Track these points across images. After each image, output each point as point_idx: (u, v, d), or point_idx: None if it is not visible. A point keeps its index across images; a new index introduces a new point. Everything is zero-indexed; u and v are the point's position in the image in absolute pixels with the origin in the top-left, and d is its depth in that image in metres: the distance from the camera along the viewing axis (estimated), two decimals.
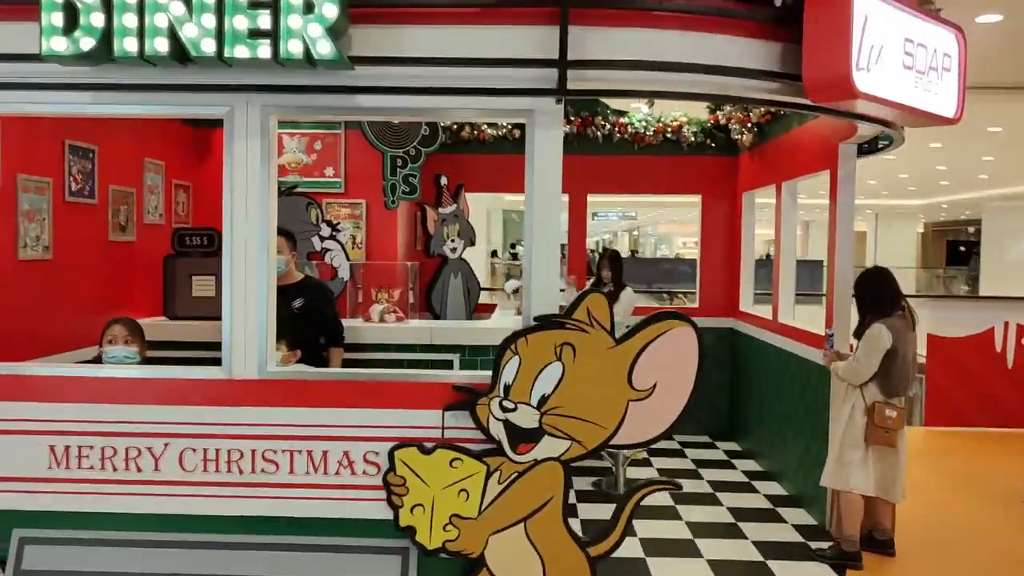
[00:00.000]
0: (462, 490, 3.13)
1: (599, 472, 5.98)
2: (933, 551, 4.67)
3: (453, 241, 6.57)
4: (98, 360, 3.70)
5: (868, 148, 4.89)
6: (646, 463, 6.41)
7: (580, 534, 3.23)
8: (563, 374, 3.10)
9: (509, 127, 7.23)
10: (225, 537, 3.23)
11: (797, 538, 4.83)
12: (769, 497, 5.63)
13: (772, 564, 4.40)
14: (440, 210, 6.54)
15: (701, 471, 6.28)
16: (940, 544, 4.79)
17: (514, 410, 3.11)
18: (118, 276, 5.00)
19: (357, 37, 3.15)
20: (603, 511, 5.09)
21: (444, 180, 6.56)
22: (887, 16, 3.31)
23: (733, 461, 6.59)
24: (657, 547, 4.63)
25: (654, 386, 3.12)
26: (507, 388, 3.11)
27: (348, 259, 5.81)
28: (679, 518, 5.14)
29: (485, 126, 7.23)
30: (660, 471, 6.24)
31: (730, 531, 4.94)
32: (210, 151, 6.08)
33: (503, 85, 3.17)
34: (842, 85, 3.12)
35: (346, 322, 4.88)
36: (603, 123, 7.32)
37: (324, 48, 2.97)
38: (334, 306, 4.83)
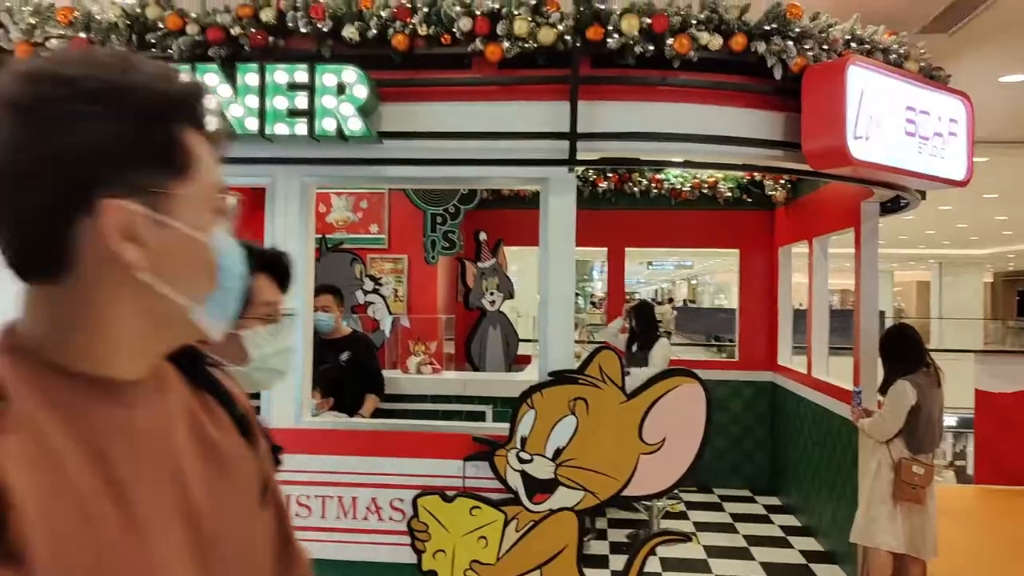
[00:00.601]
0: (481, 537, 3.31)
1: (635, 524, 6.05)
2: None
3: (492, 294, 6.80)
4: None
5: (891, 207, 4.99)
6: (683, 516, 6.45)
7: None
8: (577, 427, 3.27)
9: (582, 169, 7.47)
10: None
11: None
12: (804, 552, 5.62)
13: None
14: (479, 264, 6.79)
15: (738, 524, 6.29)
16: None
17: (530, 461, 3.29)
18: None
19: (386, 113, 3.44)
20: (652, 565, 5.20)
21: (483, 236, 6.82)
22: (886, 87, 3.47)
23: (771, 516, 6.58)
24: None
25: (664, 440, 3.26)
26: (524, 440, 3.30)
27: (390, 312, 6.09)
28: (709, 571, 5.19)
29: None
30: (696, 524, 6.27)
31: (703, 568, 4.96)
32: (259, 208, 6.46)
33: (519, 156, 3.42)
34: (838, 154, 3.28)
35: (385, 373, 5.12)
36: (640, 179, 7.51)
37: (355, 125, 3.27)
38: (377, 358, 5.09)
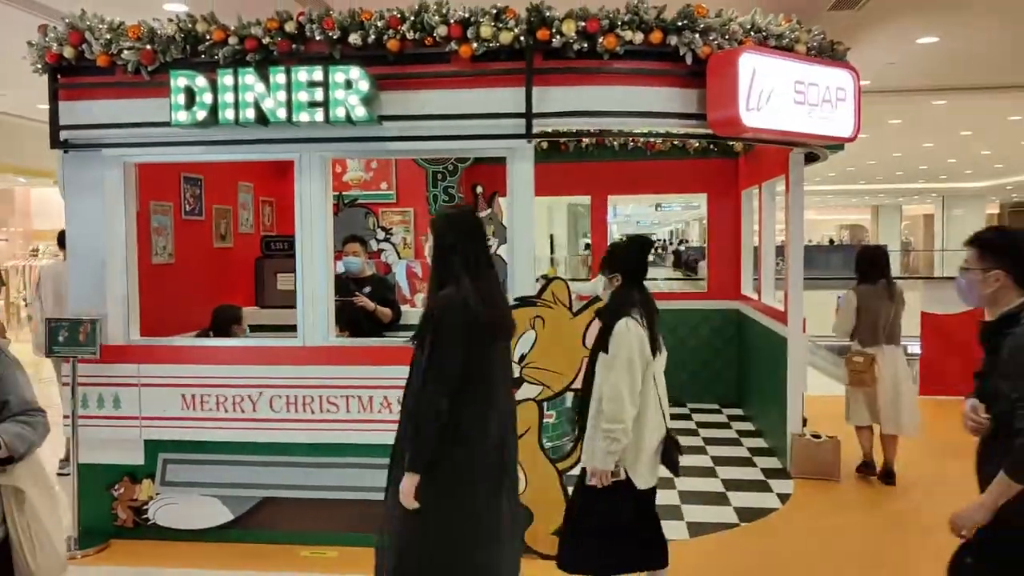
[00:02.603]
0: None
1: None
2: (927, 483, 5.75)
3: (488, 240, 7.80)
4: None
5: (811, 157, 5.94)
6: None
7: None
8: (536, 339, 4.33)
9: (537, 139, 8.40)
10: (302, 458, 4.57)
11: (760, 477, 5.90)
12: (751, 449, 6.69)
13: (731, 495, 5.50)
14: (479, 215, 7.79)
15: (700, 430, 7.37)
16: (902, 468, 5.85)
17: None
18: (221, 275, 6.42)
19: (385, 101, 4.43)
20: None
21: (480, 189, 7.80)
22: (776, 66, 4.40)
23: (732, 423, 7.64)
24: None
25: None
26: None
27: (400, 258, 7.13)
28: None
29: None
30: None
31: (706, 472, 6.05)
32: (288, 173, 7.47)
33: (489, 132, 4.41)
34: (734, 123, 4.24)
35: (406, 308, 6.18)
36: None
37: (360, 112, 4.27)
38: (394, 291, 6.14)
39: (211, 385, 4.62)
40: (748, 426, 7.50)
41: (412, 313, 6.42)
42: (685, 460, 6.46)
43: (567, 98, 4.37)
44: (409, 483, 2.87)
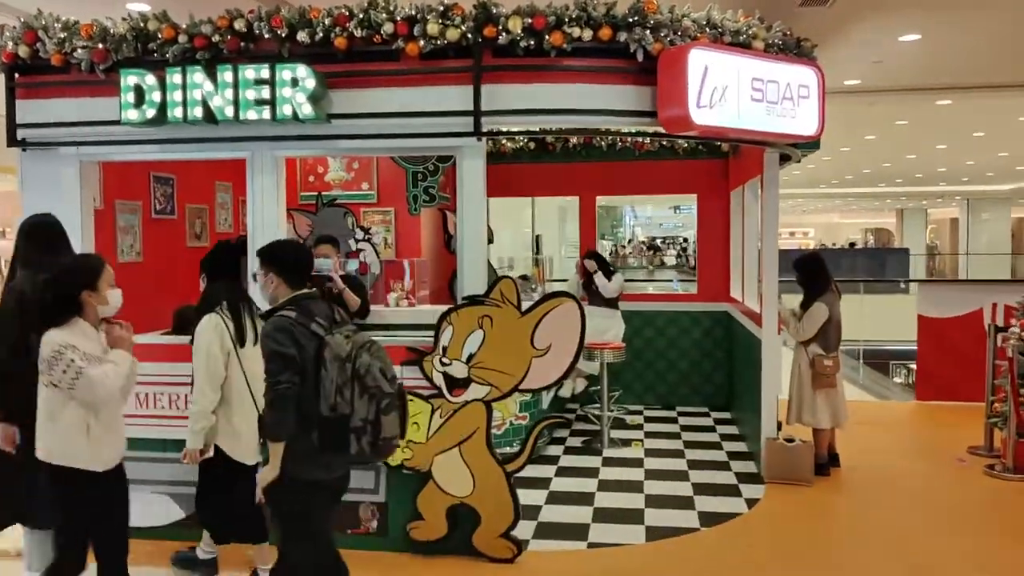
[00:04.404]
0: (415, 423, 4.35)
1: (588, 433, 7.08)
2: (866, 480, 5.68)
3: None
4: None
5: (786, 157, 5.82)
6: (639, 427, 7.45)
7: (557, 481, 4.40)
8: (484, 338, 4.28)
9: (525, 140, 8.35)
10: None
11: (733, 481, 5.79)
12: (730, 453, 6.58)
13: (699, 499, 5.40)
14: None
15: (684, 433, 7.26)
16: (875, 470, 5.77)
17: (450, 365, 4.31)
18: (195, 274, 6.43)
19: (335, 99, 4.41)
20: (591, 462, 6.25)
21: None
22: (730, 63, 4.31)
23: (717, 427, 7.52)
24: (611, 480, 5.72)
25: (549, 346, 4.24)
26: (445, 349, 4.31)
27: (379, 257, 7.11)
28: (641, 465, 6.20)
29: (504, 140, 8.39)
30: (648, 433, 7.26)
31: (679, 475, 5.95)
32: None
33: (439, 130, 4.37)
34: (683, 120, 4.16)
35: (372, 307, 6.15)
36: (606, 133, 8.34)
37: (307, 110, 4.25)
38: (363, 289, 6.07)
39: (164, 383, 4.61)
40: (733, 430, 7.38)
41: (386, 312, 6.42)
42: (659, 463, 6.49)
43: (517, 96, 4.32)
44: None
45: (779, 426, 5.95)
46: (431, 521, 4.36)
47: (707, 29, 4.39)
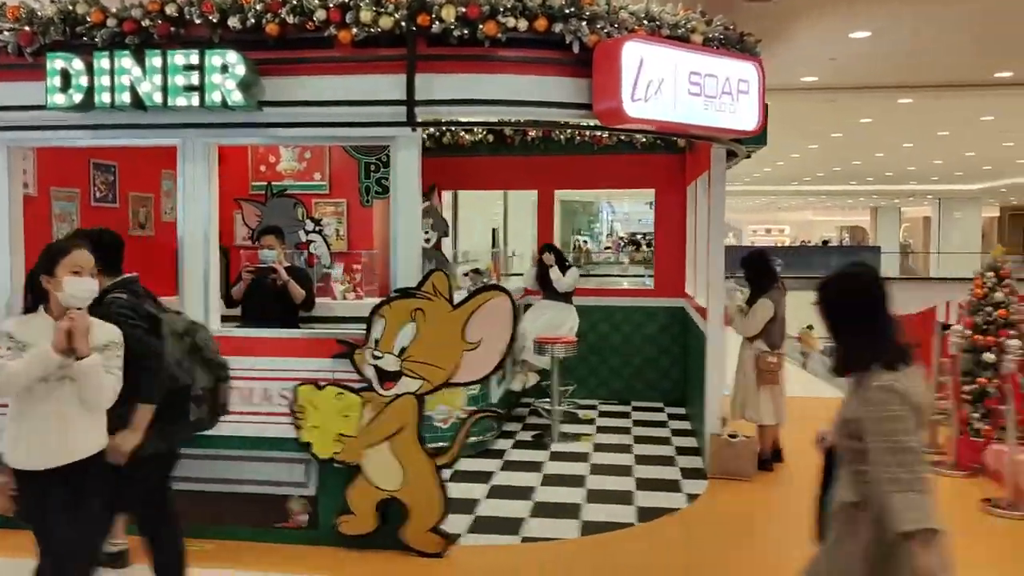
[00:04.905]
0: (345, 416, 4.29)
1: (540, 427, 7.06)
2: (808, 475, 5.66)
3: (427, 233, 7.71)
4: None
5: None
6: (590, 422, 7.43)
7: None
8: (416, 331, 4.23)
9: (484, 133, 8.28)
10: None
11: (676, 477, 5.78)
12: (679, 448, 6.58)
13: (640, 494, 5.40)
14: None
15: (635, 428, 7.25)
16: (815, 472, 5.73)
17: (381, 358, 4.25)
18: (137, 264, 6.32)
19: (268, 86, 4.33)
20: (539, 456, 6.23)
21: None
22: (667, 56, 4.28)
23: (670, 422, 7.51)
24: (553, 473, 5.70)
25: (481, 339, 4.20)
26: (377, 342, 4.26)
27: (330, 249, 7.04)
28: (587, 460, 6.19)
29: (463, 132, 8.33)
30: (599, 428, 7.24)
31: (623, 470, 5.94)
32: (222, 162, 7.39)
33: (373, 120, 4.31)
34: (617, 113, 4.13)
35: (318, 299, 6.08)
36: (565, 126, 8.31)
37: (236, 97, 4.17)
38: (307, 280, 5.99)
39: None
40: (686, 425, 7.39)
41: (333, 305, 6.36)
42: (606, 458, 6.47)
43: (452, 86, 4.26)
44: None
45: (723, 421, 5.96)
46: (361, 515, 4.31)
47: (645, 22, 4.36)
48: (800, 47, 6.91)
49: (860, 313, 2.38)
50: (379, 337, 4.26)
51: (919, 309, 8.69)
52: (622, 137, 8.28)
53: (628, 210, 42.28)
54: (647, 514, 5.00)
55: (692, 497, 5.33)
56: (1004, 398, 5.33)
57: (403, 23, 4.12)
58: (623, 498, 5.30)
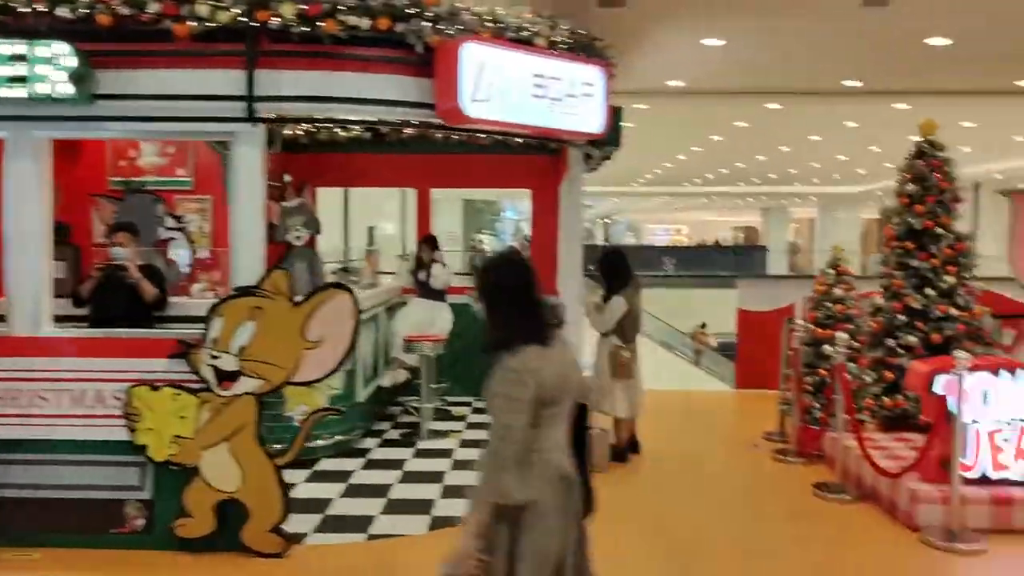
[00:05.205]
0: (182, 417, 4.21)
1: (409, 425, 7.08)
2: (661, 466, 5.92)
3: (298, 230, 7.60)
4: None
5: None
6: (462, 419, 7.49)
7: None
8: (255, 330, 4.18)
9: (361, 129, 8.22)
10: (6, 455, 4.29)
11: None
12: None
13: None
14: (285, 203, 7.57)
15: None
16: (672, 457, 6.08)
17: (219, 358, 4.19)
18: None
19: (104, 79, 4.20)
20: (403, 454, 6.24)
21: (288, 177, 7.59)
22: (510, 59, 4.37)
23: None
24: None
25: (322, 339, 4.18)
26: (215, 341, 4.19)
27: (192, 247, 6.87)
28: (451, 456, 6.24)
29: (338, 129, 8.24)
30: (471, 424, 7.31)
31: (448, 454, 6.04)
32: (76, 155, 7.12)
33: (211, 115, 4.23)
34: (457, 113, 4.19)
35: (173, 298, 5.91)
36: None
37: (65, 89, 4.03)
38: (160, 277, 5.80)
39: None
40: None
41: (188, 304, 6.19)
42: (471, 453, 6.52)
43: (294, 82, 4.24)
44: None
45: None
46: (199, 517, 4.24)
47: (488, 24, 4.43)
48: (659, 53, 7.15)
49: (510, 296, 2.60)
50: (217, 336, 4.19)
51: (775, 306, 9.07)
52: (497, 137, 8.37)
53: (528, 210, 42.82)
54: None
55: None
56: (835, 388, 5.65)
57: (242, 18, 4.07)
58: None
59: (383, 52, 4.29)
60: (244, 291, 4.22)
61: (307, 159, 8.01)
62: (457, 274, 8.08)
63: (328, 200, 10.49)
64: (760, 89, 8.90)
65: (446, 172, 8.45)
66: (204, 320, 4.21)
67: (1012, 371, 4.76)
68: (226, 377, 4.20)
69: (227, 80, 4.19)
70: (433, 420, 7.20)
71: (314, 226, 7.76)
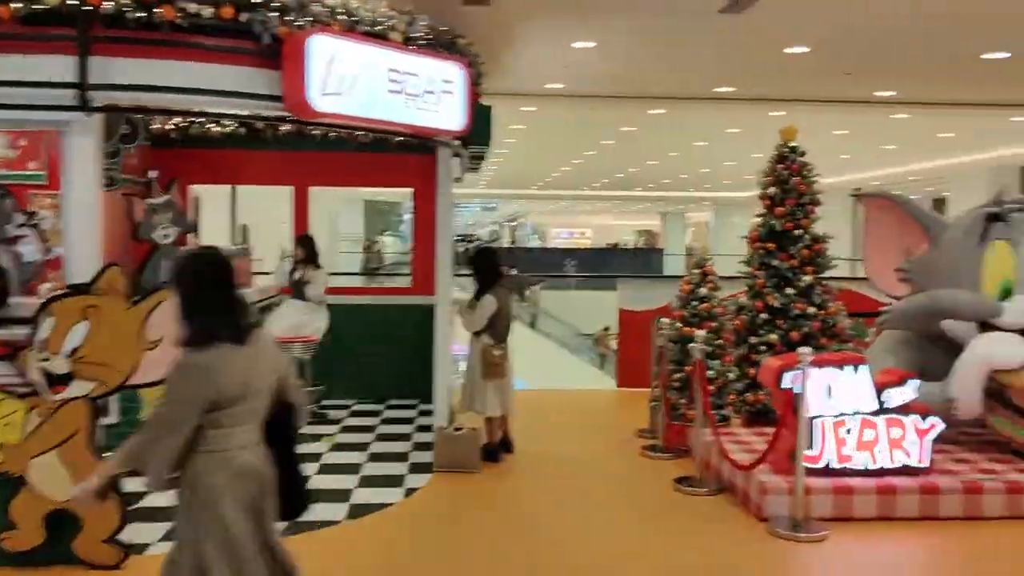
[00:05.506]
0: (7, 424, 3.96)
1: None
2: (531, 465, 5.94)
3: (166, 228, 7.30)
4: None
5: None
6: (327, 421, 7.34)
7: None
8: (89, 330, 3.96)
9: (236, 125, 7.97)
10: None
11: (403, 472, 5.81)
12: (418, 444, 6.60)
13: (358, 491, 5.38)
14: (151, 200, 7.25)
15: (382, 426, 7.23)
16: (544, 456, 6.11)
17: (49, 360, 3.95)
18: None
19: None
20: None
21: (154, 174, 7.28)
22: (362, 53, 4.29)
23: (419, 418, 7.52)
24: None
25: (162, 338, 4.00)
26: (45, 342, 3.95)
27: (45, 245, 6.49)
28: (318, 460, 6.10)
29: (212, 125, 7.97)
30: (346, 428, 7.16)
31: (350, 468, 5.89)
32: None
33: (39, 102, 4.00)
34: (305, 107, 4.09)
35: (21, 299, 5.56)
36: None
37: None
38: (3, 280, 5.47)
39: None
40: (432, 421, 7.45)
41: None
42: (339, 457, 6.40)
43: (133, 71, 4.06)
44: None
45: (452, 415, 6.09)
46: (26, 529, 3.99)
47: (341, 17, 4.34)
48: (532, 54, 7.18)
49: (200, 294, 2.68)
50: (47, 337, 3.96)
51: (655, 305, 9.25)
52: (378, 135, 8.26)
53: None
54: (358, 510, 4.99)
55: (411, 491, 5.38)
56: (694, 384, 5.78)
57: (72, 2, 3.86)
58: (339, 496, 5.25)
59: (230, 42, 4.15)
60: (77, 289, 4.00)
61: (177, 155, 7.72)
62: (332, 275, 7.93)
63: (217, 199, 10.22)
64: (638, 94, 9.07)
65: (325, 170, 8.30)
66: (31, 321, 3.97)
67: (855, 366, 4.97)
68: (58, 380, 3.96)
69: (59, 66, 3.98)
70: (308, 423, 7.02)
71: (184, 224, 7.48)
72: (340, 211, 26.99)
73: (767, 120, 10.19)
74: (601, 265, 33.94)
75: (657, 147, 15.81)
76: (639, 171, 21.22)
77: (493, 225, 53.45)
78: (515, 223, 54.27)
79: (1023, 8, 6.08)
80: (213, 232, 9.58)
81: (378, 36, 4.44)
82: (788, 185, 6.54)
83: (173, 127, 7.55)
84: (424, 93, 4.60)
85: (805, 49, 7.14)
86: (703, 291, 6.45)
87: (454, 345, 7.23)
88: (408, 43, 4.57)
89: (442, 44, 4.85)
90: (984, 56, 7.56)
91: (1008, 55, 7.43)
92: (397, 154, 8.28)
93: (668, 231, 43.86)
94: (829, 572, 4.38)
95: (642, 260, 35.95)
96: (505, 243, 50.82)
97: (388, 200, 33.98)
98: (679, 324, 6.45)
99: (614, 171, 21.46)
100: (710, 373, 6.38)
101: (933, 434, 4.99)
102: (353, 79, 4.22)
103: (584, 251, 42.34)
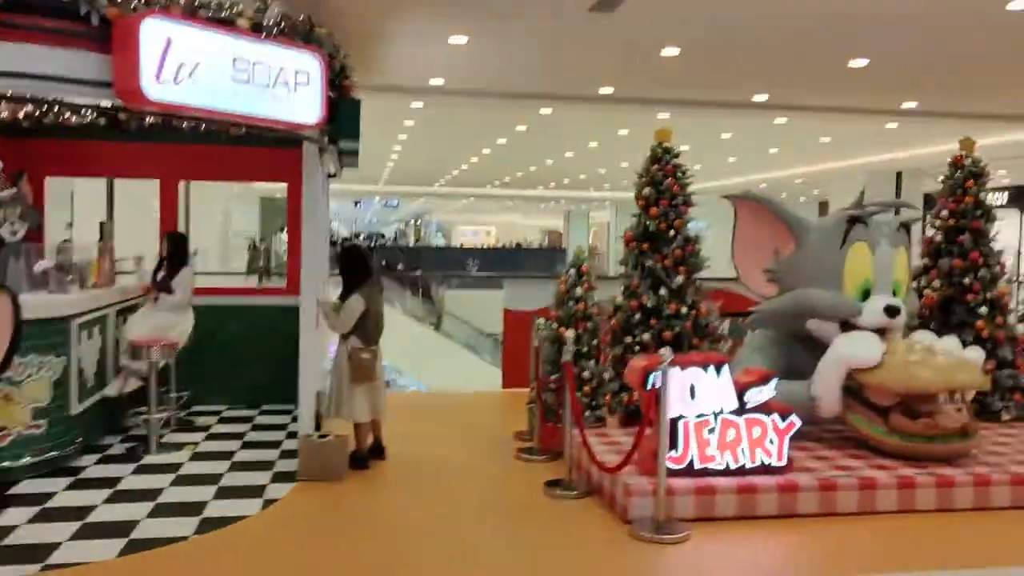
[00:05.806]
0: None
1: (136, 438, 6.50)
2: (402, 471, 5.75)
3: (13, 224, 6.79)
4: None
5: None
6: (193, 428, 6.99)
7: None
8: None
9: (94, 114, 7.49)
10: None
11: (264, 482, 5.54)
12: (284, 451, 6.33)
13: (212, 503, 5.10)
14: None
15: (251, 433, 6.93)
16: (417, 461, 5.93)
17: None
18: None
19: None
20: (121, 471, 5.70)
21: None
22: (203, 38, 4.03)
23: (291, 425, 7.24)
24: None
25: None
26: None
27: None
28: (176, 471, 5.76)
29: (69, 113, 7.47)
30: (213, 435, 6.82)
31: (209, 479, 5.59)
32: None
33: None
34: (137, 94, 3.80)
35: None
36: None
37: None
38: None
39: None
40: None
41: None
42: (199, 467, 6.07)
43: None
44: None
45: (319, 421, 5.86)
46: None
47: (180, 1, 4.07)
48: (409, 48, 7.01)
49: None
50: None
51: (538, 305, 9.22)
52: (251, 129, 7.92)
53: (336, 209, 41.93)
54: (209, 524, 4.72)
55: (269, 503, 5.13)
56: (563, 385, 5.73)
57: None
58: (191, 510, 4.96)
59: (55, 23, 3.83)
60: None
61: (30, 145, 7.21)
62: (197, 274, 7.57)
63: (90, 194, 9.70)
64: (521, 92, 9.00)
65: (195, 164, 7.94)
66: None
67: (717, 366, 5.00)
68: None
69: None
70: (173, 431, 6.70)
71: (33, 219, 6.99)
72: (233, 208, 26.16)
73: (656, 123, 10.30)
74: (504, 264, 34.03)
75: (552, 147, 15.85)
76: (538, 170, 21.28)
77: (399, 223, 52.91)
78: (419, 221, 53.83)
79: (881, 9, 6.25)
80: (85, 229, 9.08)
81: (224, 22, 4.18)
82: (662, 186, 6.60)
83: (23, 115, 7.04)
84: (276, 84, 4.37)
85: (676, 51, 7.21)
86: (579, 291, 6.42)
87: (332, 347, 6.99)
88: (258, 31, 4.33)
89: (298, 33, 4.62)
90: (850, 64, 7.81)
91: (867, 61, 7.69)
92: (271, 148, 7.96)
93: (572, 230, 44.29)
94: (687, 574, 4.37)
95: (545, 259, 36.17)
96: (411, 242, 50.47)
97: (286, 197, 33.17)
98: (555, 324, 6.40)
99: (515, 169, 21.46)
100: (585, 374, 6.36)
101: (792, 433, 5.07)
102: (194, 67, 3.96)
103: (488, 250, 42.39)
